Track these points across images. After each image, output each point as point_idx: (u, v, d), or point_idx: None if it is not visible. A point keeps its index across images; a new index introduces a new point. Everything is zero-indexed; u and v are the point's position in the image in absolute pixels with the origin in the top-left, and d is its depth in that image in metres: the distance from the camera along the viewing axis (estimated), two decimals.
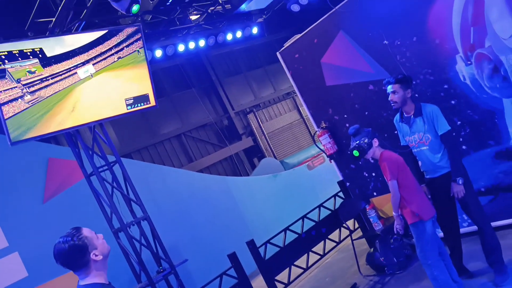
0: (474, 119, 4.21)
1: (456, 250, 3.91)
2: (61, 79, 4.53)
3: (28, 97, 4.28)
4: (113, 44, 4.91)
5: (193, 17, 9.22)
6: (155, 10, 7.84)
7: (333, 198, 5.95)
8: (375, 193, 5.37)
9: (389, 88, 3.70)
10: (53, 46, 4.48)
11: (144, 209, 5.17)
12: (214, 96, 12.25)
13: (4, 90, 4.13)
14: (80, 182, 5.74)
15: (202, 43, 9.46)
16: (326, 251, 5.73)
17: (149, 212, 5.21)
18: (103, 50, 4.83)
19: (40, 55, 4.37)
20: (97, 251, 1.99)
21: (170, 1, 7.94)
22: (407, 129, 3.78)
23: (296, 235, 5.34)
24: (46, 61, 4.41)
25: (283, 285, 5.16)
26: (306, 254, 5.43)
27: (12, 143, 4.21)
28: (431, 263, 3.45)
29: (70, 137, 4.99)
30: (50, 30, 6.09)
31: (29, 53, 4.30)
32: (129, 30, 5.04)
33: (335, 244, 5.89)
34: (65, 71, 4.55)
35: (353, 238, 5.40)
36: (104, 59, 4.85)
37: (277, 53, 5.76)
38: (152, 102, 5.33)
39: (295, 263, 5.26)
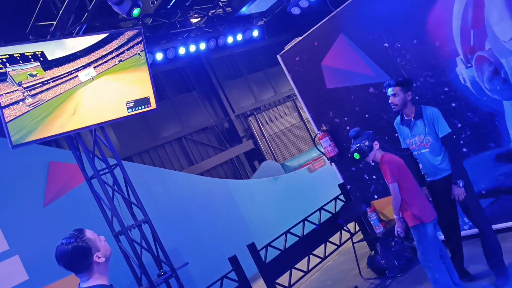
0: (475, 122, 4.21)
1: (457, 253, 3.90)
2: (62, 82, 4.54)
3: (29, 100, 4.29)
4: (114, 47, 4.92)
5: (193, 20, 9.24)
6: (156, 13, 7.85)
7: (333, 201, 5.94)
8: (376, 196, 5.36)
9: (390, 91, 3.70)
10: (54, 49, 4.49)
11: (145, 212, 5.17)
12: (215, 99, 12.26)
13: (5, 93, 4.14)
14: (81, 185, 5.74)
15: (203, 46, 9.48)
16: (327, 254, 5.72)
17: (149, 215, 5.22)
18: (104, 53, 4.85)
19: (41, 58, 4.38)
20: (100, 253, 1.97)
21: (171, 4, 7.96)
22: (407, 131, 3.78)
23: (297, 238, 5.33)
24: (47, 64, 4.43)
25: None
26: (307, 257, 5.43)
27: (13, 146, 4.22)
28: (432, 266, 3.44)
29: (71, 140, 5.00)
30: (51, 33, 6.10)
31: (30, 56, 4.31)
32: (130, 33, 5.06)
33: (336, 247, 5.89)
34: (66, 74, 4.57)
35: (354, 241, 5.39)
36: (105, 62, 4.86)
37: (278, 56, 5.77)
38: (153, 105, 5.34)
39: (296, 266, 5.26)
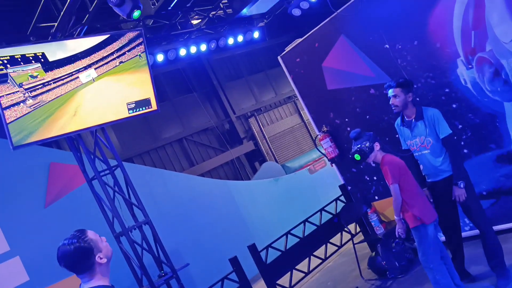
0: (476, 123, 4.21)
1: (458, 254, 3.90)
2: (63, 84, 4.55)
3: (30, 102, 4.30)
4: (115, 49, 4.93)
5: (194, 22, 9.25)
6: (157, 15, 7.86)
7: (334, 202, 5.94)
8: (376, 197, 5.36)
9: (390, 92, 3.71)
10: (55, 50, 4.50)
11: (146, 213, 5.17)
12: (216, 100, 12.27)
13: (6, 95, 4.14)
14: (82, 186, 5.75)
15: (203, 47, 9.48)
16: (327, 255, 5.72)
17: (150, 216, 5.22)
18: (105, 55, 4.86)
19: (42, 60, 4.39)
20: (102, 253, 1.96)
21: (171, 6, 7.97)
22: (408, 133, 3.78)
23: (298, 239, 5.33)
24: (48, 66, 4.43)
25: None
26: (307, 258, 5.42)
27: (14, 147, 4.22)
28: (433, 267, 3.44)
29: (72, 141, 5.01)
30: (52, 34, 6.11)
31: (31, 58, 4.32)
32: (131, 34, 5.06)
33: (336, 248, 5.88)
34: (67, 76, 4.57)
35: (354, 242, 5.39)
36: (106, 63, 4.87)
37: (278, 57, 5.78)
38: (154, 106, 5.34)
39: (297, 267, 5.26)
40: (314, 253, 5.48)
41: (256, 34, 10.28)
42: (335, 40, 5.01)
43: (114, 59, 4.93)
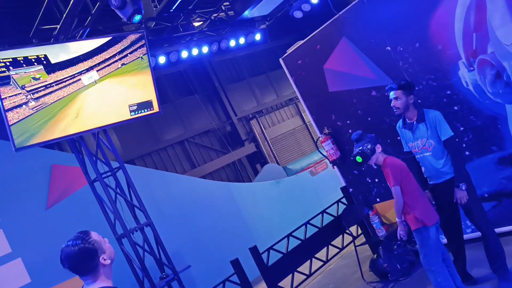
0: (477, 125, 4.21)
1: (460, 257, 3.89)
2: (65, 86, 4.56)
3: (32, 104, 4.31)
4: (117, 51, 4.95)
5: (196, 24, 9.27)
6: (159, 17, 7.89)
7: (336, 204, 5.94)
8: (378, 199, 5.36)
9: (392, 94, 3.71)
10: (57, 52, 4.52)
11: (147, 215, 5.18)
12: (217, 102, 12.29)
13: (8, 97, 4.16)
14: (83, 188, 5.76)
15: (205, 49, 9.51)
16: (329, 257, 5.71)
17: (152, 218, 5.22)
18: (107, 57, 4.87)
19: (45, 62, 4.40)
20: (106, 255, 1.95)
21: (173, 8, 7.99)
22: (410, 135, 3.78)
23: (299, 241, 5.32)
24: (51, 68, 4.45)
25: None
26: (309, 260, 5.42)
27: (17, 149, 4.23)
28: (435, 269, 3.43)
29: (74, 143, 5.02)
30: (55, 37, 6.14)
31: (33, 60, 4.33)
32: (133, 36, 5.08)
33: (338, 250, 5.87)
34: (69, 78, 4.59)
35: (356, 244, 5.38)
36: (108, 65, 4.88)
37: (280, 59, 5.78)
38: (156, 108, 5.35)
39: (298, 269, 5.25)
40: (316, 255, 5.47)
41: (257, 36, 10.31)
42: (337, 42, 5.02)
43: (116, 61, 4.94)
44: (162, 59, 8.95)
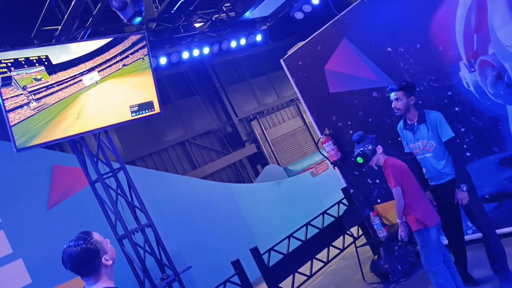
0: (478, 126, 4.21)
1: (461, 258, 3.89)
2: (67, 86, 4.57)
3: (33, 104, 4.32)
4: (118, 52, 4.96)
5: (197, 25, 9.28)
6: (160, 18, 7.90)
7: (337, 205, 5.94)
8: (379, 200, 5.35)
9: (393, 95, 3.71)
10: (58, 53, 4.53)
11: (148, 216, 5.18)
12: (218, 103, 12.30)
13: (10, 97, 4.17)
14: (84, 189, 5.76)
15: (206, 50, 9.52)
16: (330, 258, 5.71)
17: (153, 219, 5.23)
18: (108, 58, 4.88)
19: (46, 63, 4.41)
20: (108, 255, 1.95)
21: (174, 9, 8.00)
22: (410, 136, 3.78)
23: (300, 242, 5.32)
24: (52, 69, 4.46)
25: None
26: (310, 261, 5.41)
27: (18, 149, 4.24)
28: (436, 270, 3.43)
29: (75, 144, 5.03)
30: (56, 38, 6.15)
31: (35, 61, 4.34)
32: (134, 37, 5.09)
33: (339, 251, 5.87)
34: (70, 79, 4.60)
35: (357, 245, 5.38)
36: (109, 66, 4.89)
37: (281, 60, 5.79)
38: (157, 109, 5.36)
39: (299, 270, 5.24)
40: (317, 256, 5.47)
41: (258, 37, 10.32)
42: (338, 43, 5.02)
43: (117, 62, 4.95)
44: (163, 60, 8.97)
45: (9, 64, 4.15)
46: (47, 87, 4.42)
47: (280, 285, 4.92)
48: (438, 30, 4.18)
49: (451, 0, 4.03)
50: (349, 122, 5.27)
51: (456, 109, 4.27)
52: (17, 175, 5.57)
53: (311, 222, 5.60)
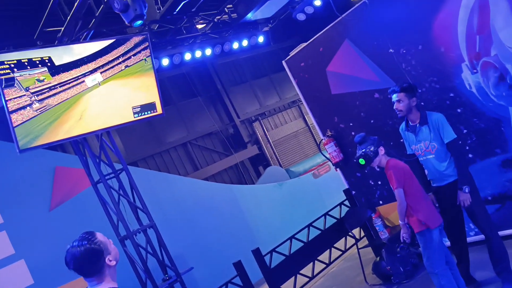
0: (480, 127, 4.20)
1: (463, 259, 3.88)
2: (69, 88, 4.59)
3: (36, 105, 4.33)
4: (121, 53, 4.97)
5: (199, 26, 9.29)
6: (162, 19, 7.91)
7: (339, 206, 5.93)
8: (381, 202, 5.35)
9: (394, 97, 3.71)
10: (61, 55, 4.54)
11: (151, 217, 5.19)
12: (220, 104, 12.30)
13: (13, 98, 4.18)
14: (87, 190, 5.78)
15: (208, 51, 9.52)
16: (332, 260, 5.71)
17: (155, 220, 5.23)
18: (110, 59, 4.89)
19: (49, 64, 4.43)
20: (111, 256, 1.93)
21: (177, 11, 8.01)
22: (413, 137, 3.78)
23: (302, 244, 5.32)
24: (55, 70, 4.47)
25: None
26: (311, 263, 5.41)
27: (21, 150, 4.25)
28: (438, 272, 3.42)
29: (78, 145, 5.04)
30: (59, 39, 6.16)
31: (38, 62, 4.36)
32: (137, 39, 5.10)
33: (341, 252, 5.87)
34: (73, 80, 4.61)
35: (359, 247, 5.38)
36: (112, 67, 4.90)
37: (283, 61, 5.79)
38: (159, 110, 5.37)
39: (301, 271, 5.24)
40: (318, 258, 5.46)
41: (260, 39, 10.32)
42: (340, 45, 5.03)
43: (119, 63, 4.97)
44: (165, 61, 8.97)
45: (12, 65, 4.17)
46: (50, 88, 4.44)
47: (281, 286, 4.92)
48: (440, 32, 4.18)
49: (453, 2, 4.03)
50: (351, 124, 5.27)
51: (458, 110, 4.27)
52: (20, 176, 5.59)
53: (313, 224, 5.59)
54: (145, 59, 5.16)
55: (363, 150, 3.61)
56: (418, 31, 4.32)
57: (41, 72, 4.37)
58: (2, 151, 5.52)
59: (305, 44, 5.47)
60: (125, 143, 10.14)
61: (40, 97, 4.36)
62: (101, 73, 4.82)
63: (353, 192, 5.64)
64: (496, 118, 4.09)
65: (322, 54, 5.26)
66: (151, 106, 5.27)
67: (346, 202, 5.82)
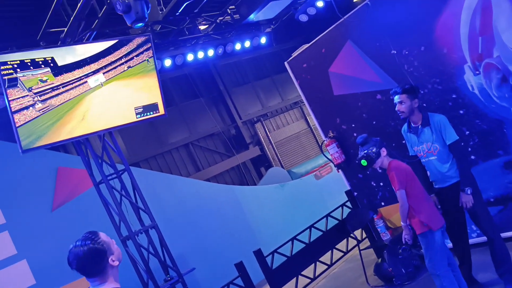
0: (483, 129, 4.19)
1: (465, 261, 3.87)
2: (72, 88, 4.60)
3: (39, 106, 4.35)
4: (123, 54, 4.98)
5: (202, 27, 9.30)
6: (165, 20, 7.92)
7: (340, 208, 5.93)
8: (383, 203, 5.34)
9: (396, 98, 3.71)
10: (64, 55, 4.55)
11: (152, 217, 5.19)
12: (222, 105, 12.31)
13: (16, 98, 4.20)
14: (89, 190, 5.79)
15: (211, 52, 9.53)
16: (333, 261, 5.70)
17: (157, 220, 5.24)
18: (113, 60, 4.91)
19: (52, 64, 4.44)
20: (114, 256, 1.92)
21: (179, 12, 8.02)
22: (415, 139, 3.77)
23: (304, 245, 5.32)
24: (58, 70, 4.49)
25: None
26: (313, 264, 5.40)
27: (23, 151, 4.26)
28: (440, 273, 3.41)
29: (80, 145, 5.05)
30: (62, 39, 6.17)
31: (40, 62, 4.37)
32: (139, 40, 5.11)
33: (342, 254, 5.86)
34: (75, 80, 4.62)
35: (360, 248, 5.37)
36: (114, 68, 4.91)
37: (285, 62, 5.80)
38: (161, 111, 5.38)
39: (302, 272, 5.24)
40: (320, 259, 5.46)
41: (263, 40, 10.32)
42: (342, 46, 5.03)
43: (122, 64, 4.98)
44: (167, 62, 8.98)
45: (15, 66, 4.18)
46: (53, 89, 4.45)
47: (283, 287, 4.92)
48: (443, 33, 4.17)
49: (455, 3, 4.03)
50: (353, 125, 5.27)
51: (461, 112, 4.27)
52: (22, 176, 5.60)
53: (315, 225, 5.59)
54: (147, 59, 5.17)
55: (365, 151, 3.61)
56: (420, 32, 4.32)
57: (44, 72, 4.39)
58: (5, 152, 5.54)
59: (307, 45, 5.48)
60: (127, 143, 10.16)
61: (43, 97, 4.38)
62: (103, 73, 4.84)
63: (355, 193, 5.64)
64: (499, 120, 4.08)
65: (324, 55, 5.26)
66: (153, 107, 5.28)
67: (348, 204, 5.82)
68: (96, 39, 6.53)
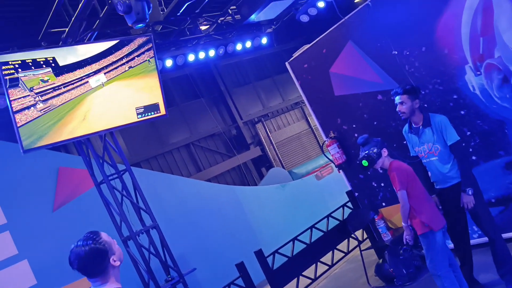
0: (484, 129, 4.19)
1: (467, 262, 3.87)
2: (73, 88, 4.60)
3: (40, 106, 4.35)
4: (124, 54, 4.99)
5: (203, 28, 9.31)
6: (166, 21, 7.93)
7: (341, 208, 5.92)
8: (384, 204, 5.34)
9: (397, 99, 3.70)
10: (65, 55, 4.56)
11: (153, 217, 5.19)
12: (223, 105, 12.32)
13: (17, 98, 4.20)
14: (89, 191, 5.79)
15: (212, 53, 9.54)
16: (334, 262, 5.70)
17: (158, 220, 5.24)
18: (114, 60, 4.91)
19: (53, 64, 4.45)
20: (115, 256, 1.92)
21: (180, 12, 8.03)
22: (416, 139, 3.77)
23: (304, 245, 5.32)
24: (59, 70, 4.49)
25: None
26: (314, 265, 5.40)
27: (25, 151, 4.27)
28: (441, 274, 3.41)
29: (81, 145, 5.05)
30: (63, 40, 6.18)
31: (42, 62, 4.38)
32: (140, 40, 5.12)
33: (343, 254, 5.86)
34: (77, 80, 4.63)
35: (361, 249, 5.36)
36: (116, 68, 4.92)
37: (286, 63, 5.80)
38: (162, 111, 5.38)
39: (303, 273, 5.24)
40: (321, 260, 5.46)
41: (264, 40, 10.32)
42: (343, 46, 5.03)
43: (123, 64, 4.98)
44: (169, 62, 8.99)
45: (17, 66, 4.19)
46: (54, 89, 4.46)
47: None
48: (444, 33, 4.17)
49: (456, 3, 4.02)
50: (354, 125, 5.27)
51: (462, 112, 4.26)
52: (23, 177, 5.61)
53: (316, 225, 5.59)
54: (148, 60, 5.18)
55: (366, 151, 3.60)
56: (421, 33, 4.32)
57: (45, 72, 4.39)
58: (6, 152, 5.54)
59: (308, 45, 5.48)
60: (128, 144, 10.16)
61: (44, 97, 4.38)
62: (105, 73, 4.84)
63: (356, 193, 5.64)
64: (500, 120, 4.08)
65: (325, 55, 5.26)
66: (154, 107, 5.29)
67: (349, 204, 5.81)
68: (98, 39, 6.54)
